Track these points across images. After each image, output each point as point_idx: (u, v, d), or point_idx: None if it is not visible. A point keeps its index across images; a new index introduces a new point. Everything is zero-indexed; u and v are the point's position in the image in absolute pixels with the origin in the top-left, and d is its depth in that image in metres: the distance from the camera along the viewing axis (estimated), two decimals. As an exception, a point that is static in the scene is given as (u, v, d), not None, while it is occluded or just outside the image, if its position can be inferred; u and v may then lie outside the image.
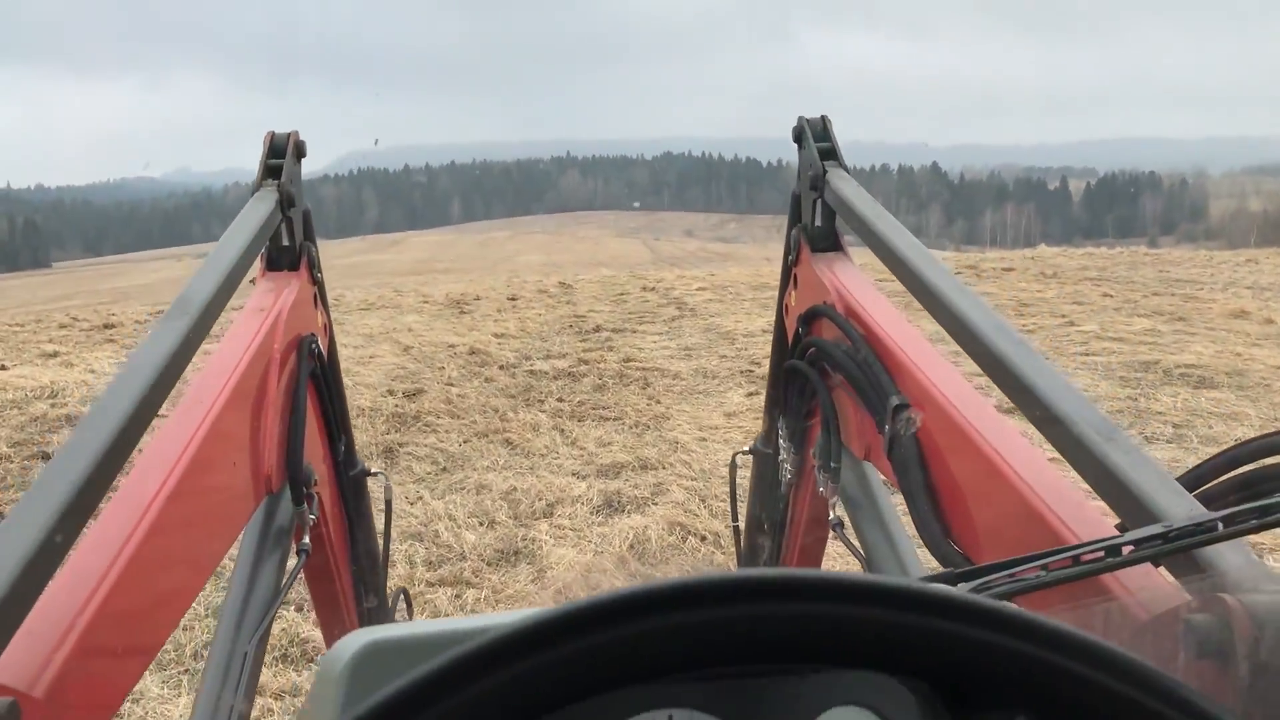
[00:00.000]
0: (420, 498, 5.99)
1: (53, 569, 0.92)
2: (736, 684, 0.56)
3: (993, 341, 1.27)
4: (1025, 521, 1.12)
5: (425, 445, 7.20)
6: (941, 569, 1.18)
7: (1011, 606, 0.46)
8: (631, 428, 7.50)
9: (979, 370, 1.32)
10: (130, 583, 1.04)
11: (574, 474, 6.44)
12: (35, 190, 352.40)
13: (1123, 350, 9.81)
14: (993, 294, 14.37)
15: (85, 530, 1.02)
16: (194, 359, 1.35)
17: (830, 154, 1.87)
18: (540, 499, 5.93)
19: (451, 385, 9.14)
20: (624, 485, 6.10)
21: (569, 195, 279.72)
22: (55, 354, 12.07)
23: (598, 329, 12.20)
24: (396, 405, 8.22)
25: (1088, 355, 9.82)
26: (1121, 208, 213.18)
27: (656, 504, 5.75)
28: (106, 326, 15.09)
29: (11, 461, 7.12)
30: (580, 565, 4.67)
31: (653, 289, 16.56)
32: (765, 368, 2.27)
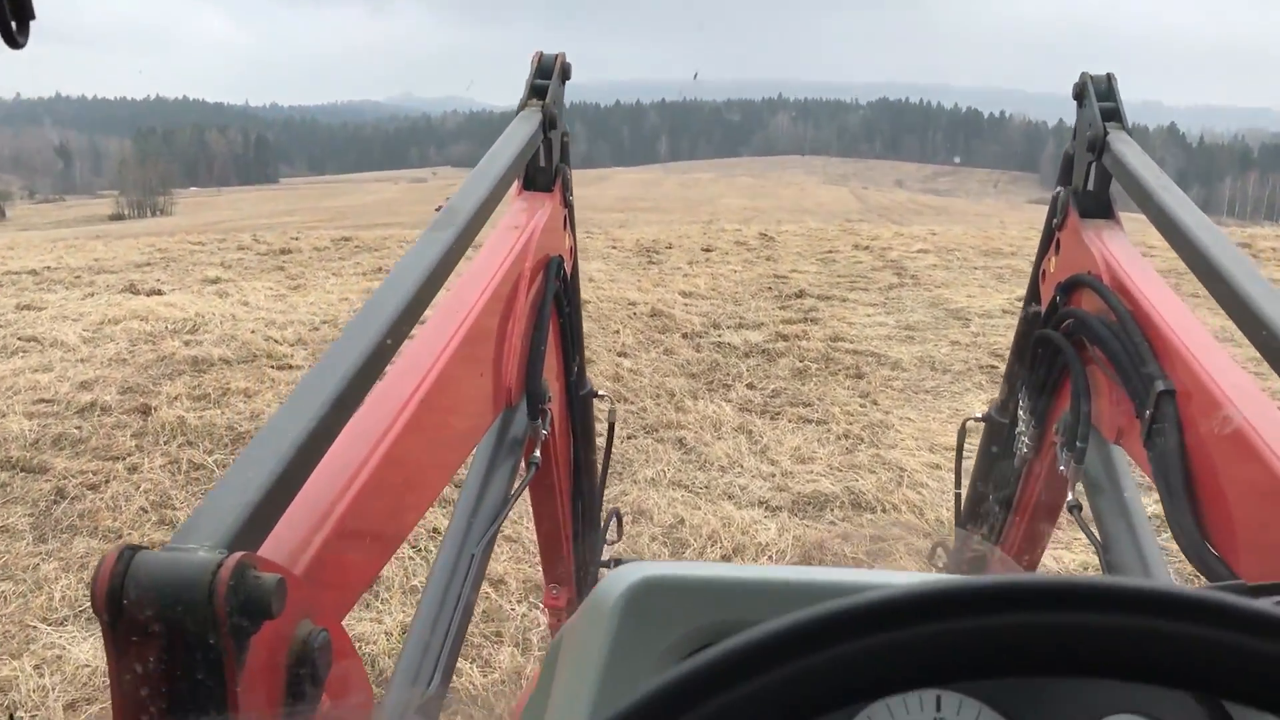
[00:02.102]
0: (557, 524, 4.57)
1: (318, 457, 0.95)
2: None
3: None
4: None
5: (579, 439, 5.78)
6: (1200, 575, 1.18)
7: None
8: (840, 438, 5.86)
9: (1266, 367, 1.18)
10: (383, 476, 1.06)
11: (762, 504, 4.89)
12: (270, 109, 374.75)
13: None
14: (1281, 281, 11.89)
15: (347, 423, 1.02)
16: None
17: (1113, 115, 1.76)
18: (714, 542, 4.42)
19: (624, 356, 7.73)
20: (829, 534, 4.51)
21: (777, 138, 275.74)
22: (217, 280, 11.34)
23: (801, 294, 10.51)
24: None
25: None
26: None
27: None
28: (283, 252, 14.45)
29: (109, 414, 6.13)
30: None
31: (866, 248, 14.67)
32: None
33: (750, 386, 6.98)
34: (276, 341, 8.05)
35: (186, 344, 7.96)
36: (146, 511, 4.78)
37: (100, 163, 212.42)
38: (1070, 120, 1.86)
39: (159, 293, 10.54)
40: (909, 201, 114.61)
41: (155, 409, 6.19)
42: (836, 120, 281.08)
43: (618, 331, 8.44)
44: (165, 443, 5.67)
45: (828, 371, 7.32)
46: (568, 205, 1.97)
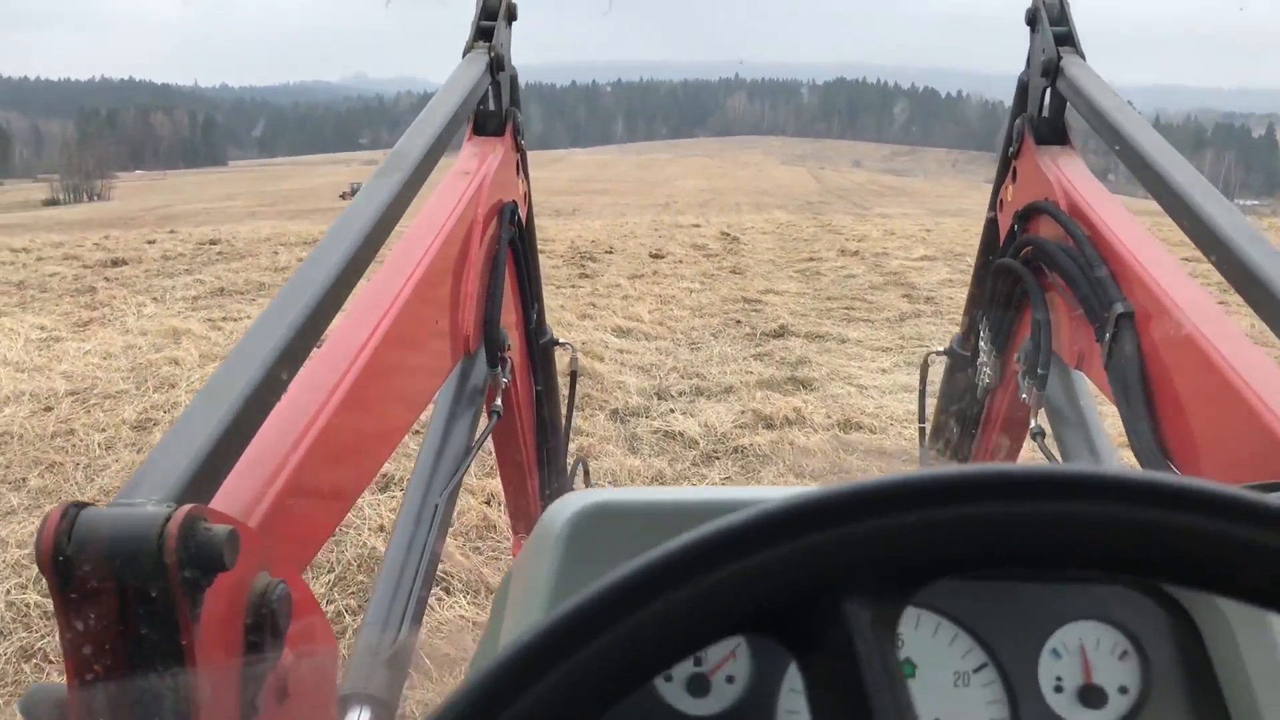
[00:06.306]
0: None
1: (268, 408, 0.91)
2: (974, 585, 0.49)
3: (1247, 255, 1.12)
4: (1266, 453, 0.99)
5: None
6: None
7: None
8: None
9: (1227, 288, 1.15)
10: (339, 426, 1.03)
11: None
12: (219, 89, 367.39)
13: None
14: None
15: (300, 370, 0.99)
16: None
17: (1066, 39, 1.71)
18: None
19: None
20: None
21: (734, 118, 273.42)
22: (-24, 314, 8.23)
23: (782, 331, 7.60)
24: (361, 548, 3.87)
25: None
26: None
27: None
28: (115, 264, 11.34)
29: None
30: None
31: (854, 252, 11.78)
32: None
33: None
34: (-42, 440, 5.02)
35: None
36: None
37: (41, 146, 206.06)
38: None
39: None
40: (869, 182, 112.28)
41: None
42: (793, 100, 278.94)
43: (510, 411, 5.49)
44: None
45: (845, 503, 4.41)
46: (520, 149, 1.90)
